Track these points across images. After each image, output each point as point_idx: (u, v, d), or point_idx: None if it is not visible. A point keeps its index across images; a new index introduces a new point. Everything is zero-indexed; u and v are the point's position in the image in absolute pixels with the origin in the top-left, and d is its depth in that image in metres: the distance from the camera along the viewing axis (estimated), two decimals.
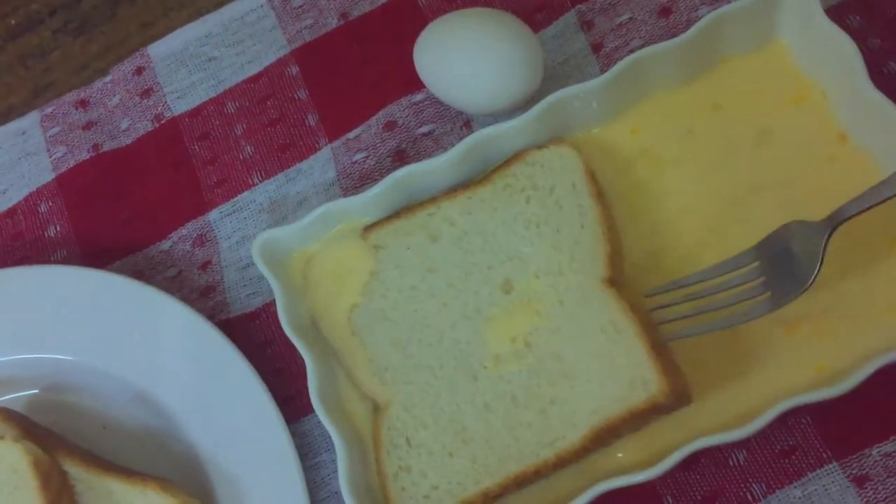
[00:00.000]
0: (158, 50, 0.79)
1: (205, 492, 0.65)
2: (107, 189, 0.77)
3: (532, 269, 0.62)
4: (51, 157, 0.78)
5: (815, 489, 0.59)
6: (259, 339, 0.70)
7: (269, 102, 0.76)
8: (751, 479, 0.60)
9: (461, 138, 0.68)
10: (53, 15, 0.84)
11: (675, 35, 0.65)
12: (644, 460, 0.59)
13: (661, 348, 0.58)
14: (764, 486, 0.60)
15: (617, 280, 0.61)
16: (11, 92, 0.83)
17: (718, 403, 0.59)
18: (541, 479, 0.59)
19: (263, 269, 0.65)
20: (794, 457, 0.60)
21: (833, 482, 0.59)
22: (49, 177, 0.78)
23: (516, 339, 0.61)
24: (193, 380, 0.67)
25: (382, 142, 0.73)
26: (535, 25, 0.73)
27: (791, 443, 0.60)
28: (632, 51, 0.69)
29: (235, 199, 0.74)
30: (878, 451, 0.59)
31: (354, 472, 0.60)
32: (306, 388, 0.62)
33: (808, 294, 0.58)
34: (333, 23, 0.77)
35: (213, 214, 0.74)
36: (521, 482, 0.59)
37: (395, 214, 0.66)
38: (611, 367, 0.58)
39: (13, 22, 0.85)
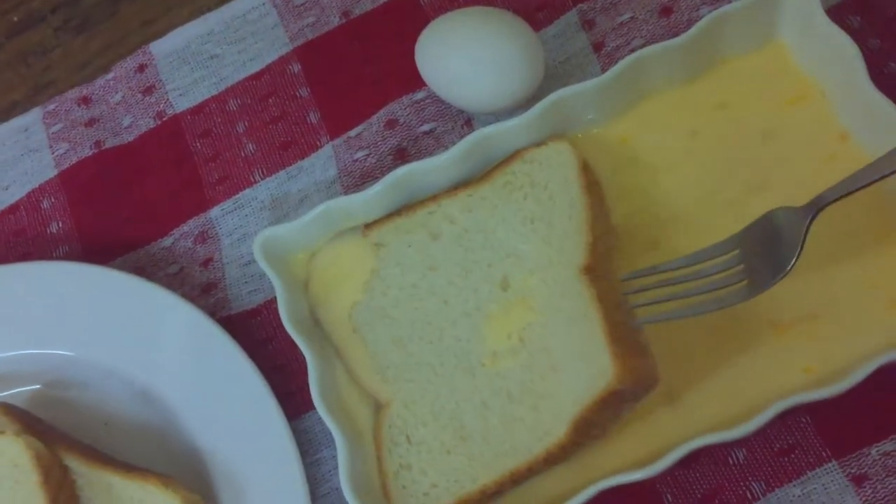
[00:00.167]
0: (160, 47, 0.79)
1: (205, 487, 0.65)
2: (109, 186, 0.77)
3: (528, 265, 0.62)
4: (53, 153, 0.78)
5: (815, 488, 0.59)
6: (260, 336, 0.70)
7: (270, 100, 0.76)
8: (750, 478, 0.60)
9: (462, 137, 0.68)
10: (55, 12, 0.84)
11: (676, 34, 0.65)
12: (643, 458, 0.58)
13: (624, 333, 0.57)
14: (763, 485, 0.60)
15: (596, 269, 0.60)
16: (12, 89, 0.83)
17: (718, 403, 0.59)
18: (534, 475, 0.59)
19: (265, 267, 0.65)
20: (793, 455, 0.60)
21: (832, 481, 0.59)
22: (51, 173, 0.78)
23: (511, 335, 0.61)
24: (194, 376, 0.67)
25: (384, 140, 0.73)
26: (537, 24, 0.73)
27: (790, 441, 0.60)
28: (633, 50, 0.69)
29: (237, 196, 0.74)
30: (877, 451, 0.59)
31: (355, 469, 0.60)
32: (307, 385, 0.62)
33: (801, 295, 0.58)
34: (335, 21, 0.77)
35: (215, 211, 0.74)
36: (516, 479, 0.59)
37: (395, 212, 0.66)
38: (582, 357, 0.57)
39: (15, 19, 0.85)
